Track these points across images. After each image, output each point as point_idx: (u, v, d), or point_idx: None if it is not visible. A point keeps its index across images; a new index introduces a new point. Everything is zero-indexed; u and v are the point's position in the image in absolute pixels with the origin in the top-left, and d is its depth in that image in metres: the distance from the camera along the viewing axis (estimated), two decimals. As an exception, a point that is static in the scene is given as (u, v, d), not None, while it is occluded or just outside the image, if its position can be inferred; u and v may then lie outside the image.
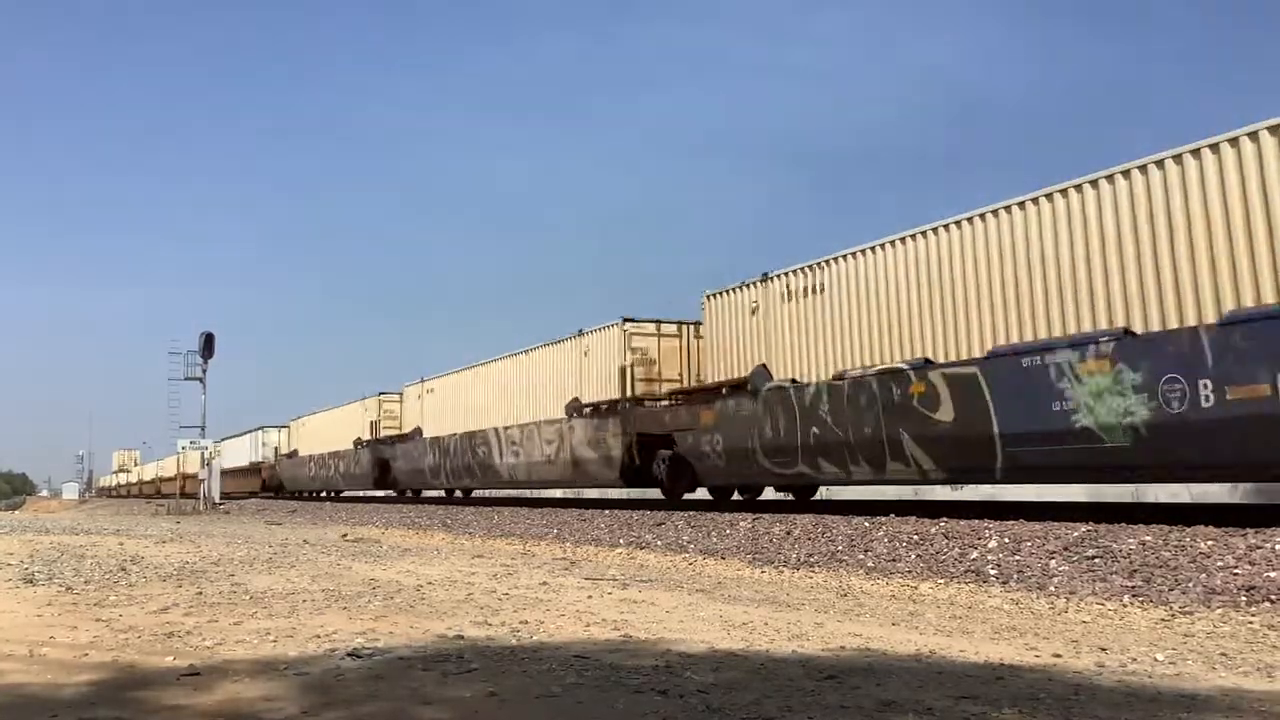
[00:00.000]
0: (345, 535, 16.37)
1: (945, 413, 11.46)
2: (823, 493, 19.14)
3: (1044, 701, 3.70)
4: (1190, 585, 7.07)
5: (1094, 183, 10.38)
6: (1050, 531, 9.17)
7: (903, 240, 12.84)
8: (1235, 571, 7.16)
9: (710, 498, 17.62)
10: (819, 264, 14.25)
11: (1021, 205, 11.18)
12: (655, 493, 18.17)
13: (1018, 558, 8.61)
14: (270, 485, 46.40)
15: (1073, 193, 10.64)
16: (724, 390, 15.62)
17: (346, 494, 38.99)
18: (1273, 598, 6.57)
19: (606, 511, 17.28)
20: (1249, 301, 8.84)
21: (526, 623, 5.75)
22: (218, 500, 37.25)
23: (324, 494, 40.47)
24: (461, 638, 5.20)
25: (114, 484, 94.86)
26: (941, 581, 8.41)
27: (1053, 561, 8.30)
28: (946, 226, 12.15)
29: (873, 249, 13.31)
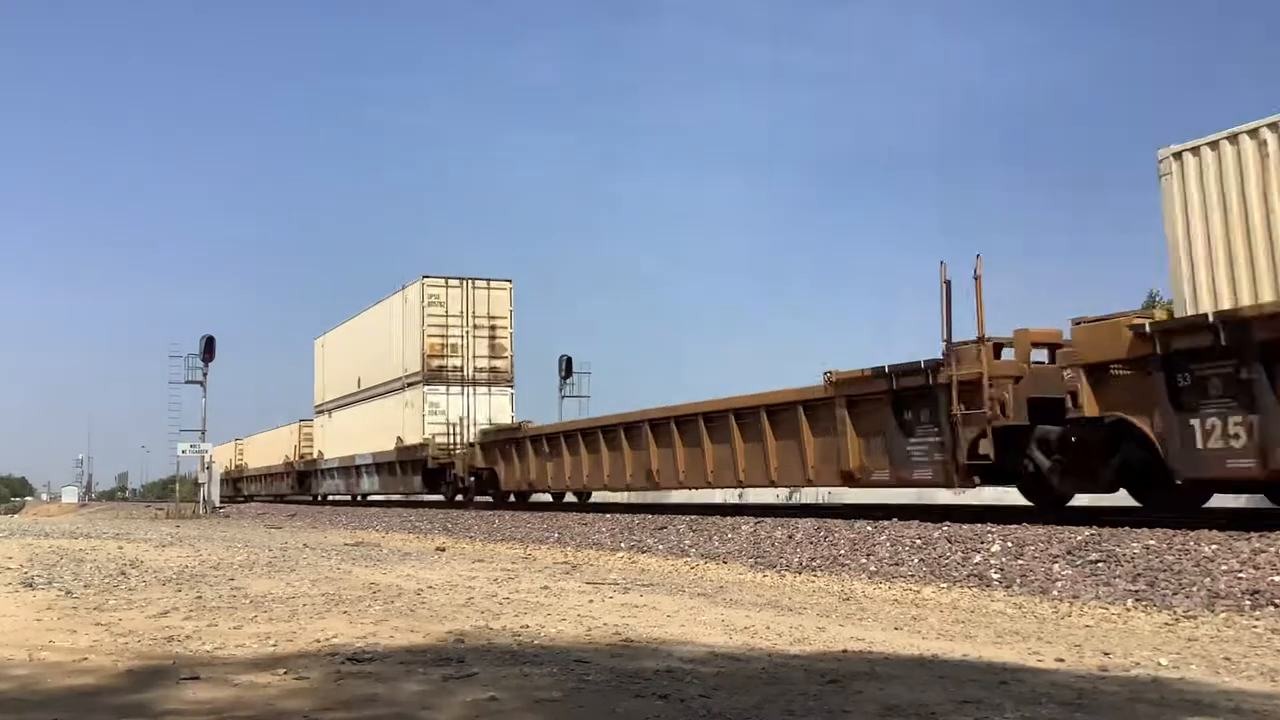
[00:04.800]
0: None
1: None
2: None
3: (1047, 706, 3.68)
4: (1194, 589, 7.04)
5: None
6: (1054, 535, 9.15)
7: None
8: (1239, 575, 7.14)
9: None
10: None
11: None
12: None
13: (1021, 562, 8.59)
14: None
15: None
16: None
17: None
18: (1277, 602, 6.54)
19: (608, 515, 17.27)
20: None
21: (527, 627, 5.73)
22: (218, 504, 37.22)
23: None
24: (462, 642, 5.18)
25: (258, 465, 49.20)
26: (944, 585, 8.39)
27: (1056, 565, 8.28)
28: None
29: None
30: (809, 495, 22.00)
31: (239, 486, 56.69)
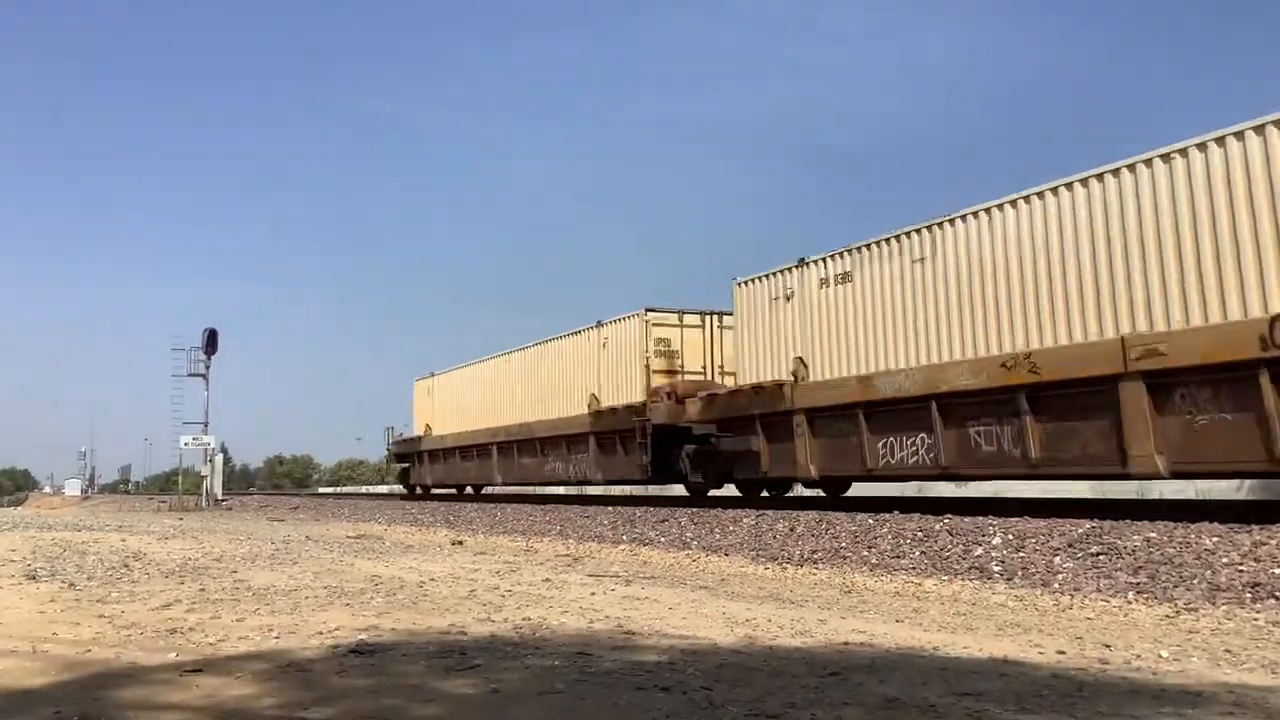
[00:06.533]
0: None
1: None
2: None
3: (1047, 698, 3.69)
4: (1195, 582, 7.05)
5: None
6: (1055, 528, 9.16)
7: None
8: (1240, 568, 7.14)
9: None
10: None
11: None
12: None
13: (1022, 554, 8.59)
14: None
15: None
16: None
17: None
18: (1278, 594, 6.55)
19: (610, 508, 17.29)
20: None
21: (529, 619, 5.74)
22: (220, 497, 37.29)
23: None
24: (464, 634, 5.19)
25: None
26: (945, 578, 8.40)
27: (1057, 558, 8.28)
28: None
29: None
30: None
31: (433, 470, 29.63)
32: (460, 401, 27.41)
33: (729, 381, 17.54)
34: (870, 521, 11.13)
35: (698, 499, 17.54)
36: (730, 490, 18.01)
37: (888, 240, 13.10)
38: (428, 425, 29.11)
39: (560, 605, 6.40)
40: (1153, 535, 8.29)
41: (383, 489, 64.31)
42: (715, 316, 18.88)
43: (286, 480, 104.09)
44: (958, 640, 5.17)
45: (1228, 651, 4.94)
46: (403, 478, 32.45)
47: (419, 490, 31.09)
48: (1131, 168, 10.17)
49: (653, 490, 23.54)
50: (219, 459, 39.48)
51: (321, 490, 71.17)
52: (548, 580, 8.04)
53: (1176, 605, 6.63)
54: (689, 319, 18.94)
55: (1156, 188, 9.89)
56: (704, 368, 18.70)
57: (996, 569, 8.39)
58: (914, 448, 12.38)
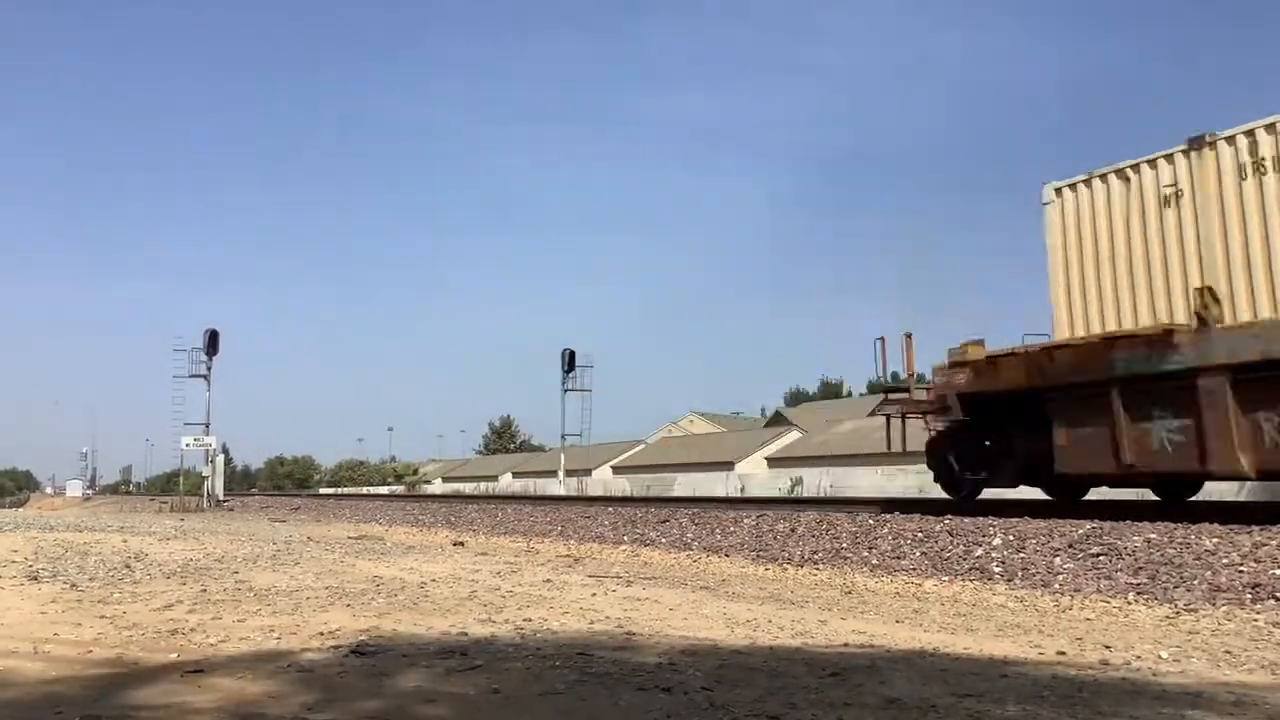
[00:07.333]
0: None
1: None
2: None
3: (1048, 699, 3.70)
4: (1195, 583, 7.06)
5: None
6: (1055, 529, 9.17)
7: None
8: (1240, 569, 7.15)
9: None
10: None
11: None
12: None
13: (1022, 555, 8.61)
14: None
15: None
16: None
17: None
18: (1278, 595, 6.56)
19: (610, 509, 17.30)
20: None
21: (530, 620, 5.75)
22: (221, 498, 37.33)
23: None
24: (465, 635, 5.20)
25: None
26: (946, 579, 8.41)
27: (1057, 559, 8.29)
28: None
29: None
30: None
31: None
32: None
33: None
34: (870, 522, 11.14)
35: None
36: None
37: None
38: (1208, 292, 10.14)
39: (561, 606, 6.41)
40: (1153, 536, 8.30)
41: (383, 490, 64.28)
42: None
43: (288, 481, 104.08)
44: (958, 641, 5.18)
45: (1228, 652, 4.95)
46: (957, 450, 13.35)
47: (1042, 486, 13.46)
48: None
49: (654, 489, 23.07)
50: (220, 460, 39.53)
51: (323, 491, 71.18)
52: (549, 581, 8.05)
53: (1177, 606, 6.64)
54: None
55: None
56: None
57: (997, 569, 8.40)
58: None
